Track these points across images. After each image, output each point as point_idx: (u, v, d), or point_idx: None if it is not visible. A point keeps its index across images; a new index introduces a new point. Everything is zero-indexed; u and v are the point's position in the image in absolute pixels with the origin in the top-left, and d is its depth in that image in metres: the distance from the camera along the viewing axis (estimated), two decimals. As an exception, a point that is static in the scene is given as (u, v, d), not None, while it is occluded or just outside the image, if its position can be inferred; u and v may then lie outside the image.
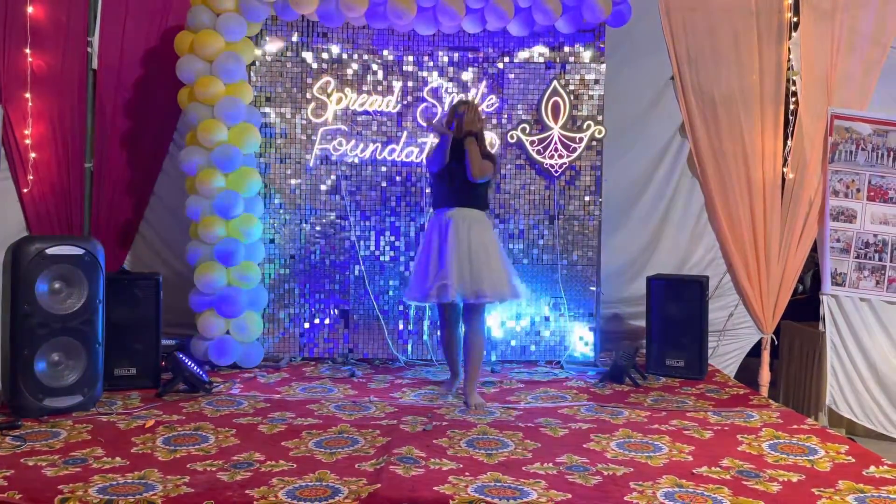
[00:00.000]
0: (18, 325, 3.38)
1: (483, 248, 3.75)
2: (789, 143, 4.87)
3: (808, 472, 2.85)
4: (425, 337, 4.77)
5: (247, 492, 2.53)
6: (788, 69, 4.85)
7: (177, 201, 4.73)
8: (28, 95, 4.82)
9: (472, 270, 3.69)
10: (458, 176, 3.82)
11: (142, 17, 4.94)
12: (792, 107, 4.86)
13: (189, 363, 3.95)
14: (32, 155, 4.85)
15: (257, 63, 4.70)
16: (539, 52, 4.77)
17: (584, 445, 3.13)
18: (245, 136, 4.47)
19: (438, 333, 4.32)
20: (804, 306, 5.27)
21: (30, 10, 4.79)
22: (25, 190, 4.86)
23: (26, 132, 4.83)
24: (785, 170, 4.87)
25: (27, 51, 4.80)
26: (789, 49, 4.84)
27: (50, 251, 3.45)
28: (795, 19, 4.82)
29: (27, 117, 4.83)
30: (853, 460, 2.97)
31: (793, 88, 4.86)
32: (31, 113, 4.84)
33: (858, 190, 4.79)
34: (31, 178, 4.85)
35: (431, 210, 4.15)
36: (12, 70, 4.82)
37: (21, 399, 3.37)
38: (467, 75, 4.77)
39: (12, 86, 4.82)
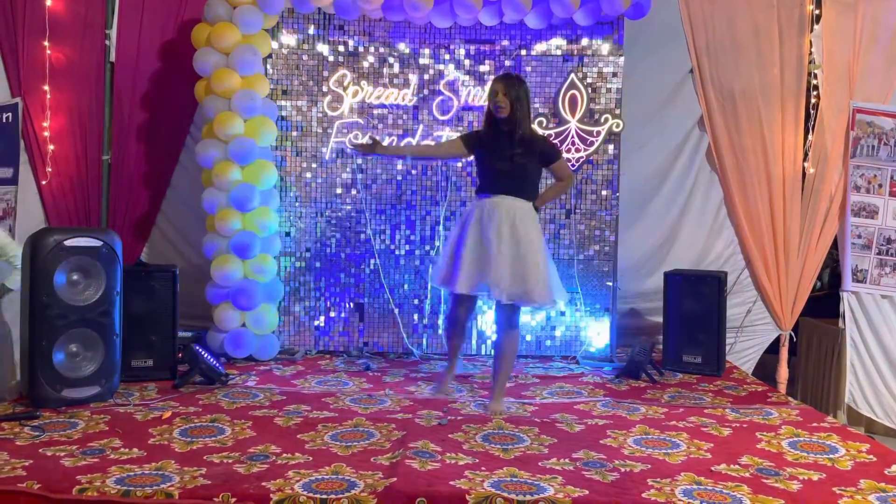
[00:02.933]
0: (37, 316, 3.40)
1: (528, 247, 3.49)
2: (810, 137, 4.80)
3: (828, 470, 2.81)
4: (440, 331, 4.76)
5: (263, 484, 2.53)
6: (810, 62, 4.78)
7: (193, 194, 4.74)
8: (46, 88, 4.84)
9: (512, 271, 3.44)
10: (507, 160, 3.55)
11: (159, 9, 4.95)
12: (813, 100, 4.79)
13: (205, 355, 3.96)
14: (51, 147, 4.88)
15: (274, 56, 4.70)
16: (557, 44, 4.73)
17: (601, 441, 3.11)
18: (261, 129, 4.47)
19: (445, 323, 4.21)
20: (823, 303, 5.20)
21: (48, 2, 4.81)
22: (44, 182, 4.88)
23: (45, 124, 4.86)
24: (805, 164, 4.81)
25: (46, 43, 4.82)
26: (811, 42, 4.77)
27: (68, 243, 3.46)
28: (817, 11, 4.74)
29: (46, 109, 4.85)
30: (874, 459, 2.93)
31: (814, 82, 4.79)
32: (50, 105, 4.87)
33: (881, 185, 4.72)
34: (50, 170, 4.88)
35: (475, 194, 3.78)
36: (31, 62, 4.84)
37: (40, 389, 3.40)
38: (484, 68, 4.74)
39: (31, 78, 4.85)
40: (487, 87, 3.87)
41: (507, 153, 3.55)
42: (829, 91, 4.74)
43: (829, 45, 4.72)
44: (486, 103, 3.71)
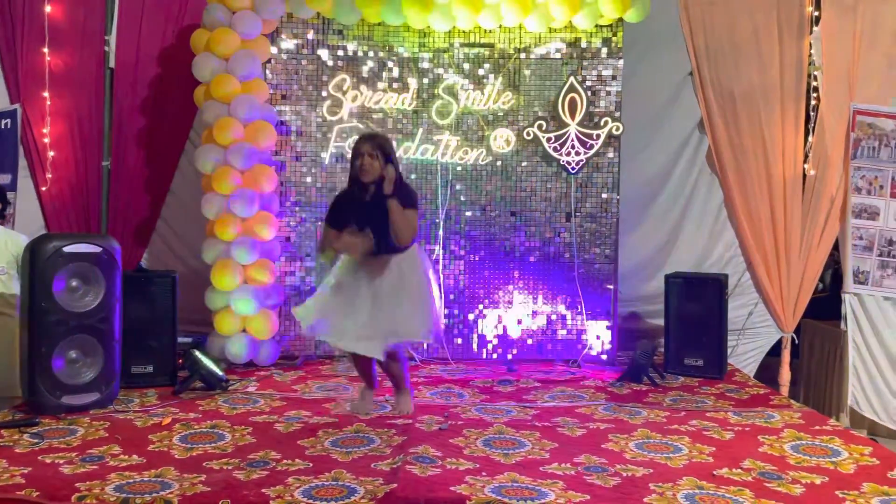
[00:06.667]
0: (36, 323, 3.39)
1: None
2: (810, 139, 4.79)
3: (831, 474, 2.80)
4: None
5: (263, 491, 2.52)
6: (810, 64, 4.77)
7: (193, 199, 4.73)
8: (46, 94, 4.86)
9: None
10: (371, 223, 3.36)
11: (158, 15, 4.96)
12: (813, 102, 4.78)
13: (205, 361, 3.95)
14: (51, 153, 4.89)
15: (273, 60, 4.69)
16: (556, 47, 4.72)
17: (603, 446, 3.09)
18: (260, 134, 4.46)
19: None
20: (825, 305, 5.18)
21: (48, 9, 4.82)
22: (44, 188, 4.89)
23: (45, 130, 4.87)
24: (806, 166, 4.80)
25: (45, 50, 4.84)
26: (810, 44, 4.76)
27: (67, 249, 3.46)
28: (817, 13, 4.74)
29: (45, 116, 4.87)
30: (877, 462, 2.92)
31: (814, 84, 4.78)
32: (50, 112, 4.88)
33: (882, 186, 4.70)
34: (50, 176, 4.89)
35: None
36: (30, 69, 4.86)
37: (39, 396, 3.39)
38: (483, 71, 4.74)
39: (30, 85, 4.87)
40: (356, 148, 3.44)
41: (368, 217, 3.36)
42: (829, 93, 4.73)
43: (829, 47, 4.72)
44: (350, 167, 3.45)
